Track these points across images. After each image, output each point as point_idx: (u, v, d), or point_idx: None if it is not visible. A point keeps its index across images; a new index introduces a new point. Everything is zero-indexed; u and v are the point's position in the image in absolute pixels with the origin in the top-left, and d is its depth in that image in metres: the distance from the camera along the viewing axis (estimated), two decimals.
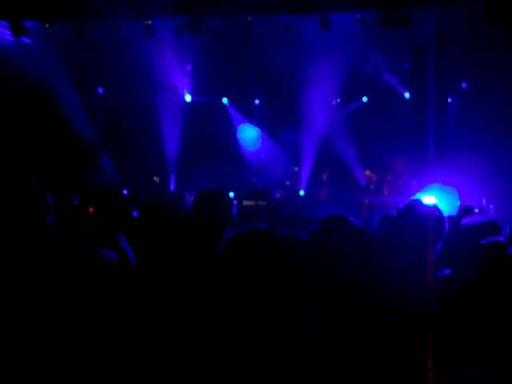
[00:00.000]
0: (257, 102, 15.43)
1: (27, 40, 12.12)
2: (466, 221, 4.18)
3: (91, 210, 8.53)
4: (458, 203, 10.02)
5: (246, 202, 12.30)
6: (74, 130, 13.41)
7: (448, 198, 10.05)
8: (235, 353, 2.12)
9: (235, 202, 2.89)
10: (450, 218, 3.87)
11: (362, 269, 3.02)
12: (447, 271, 2.95)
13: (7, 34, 11.78)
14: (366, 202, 12.98)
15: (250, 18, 11.03)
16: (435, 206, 2.80)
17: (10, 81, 12.29)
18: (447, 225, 2.84)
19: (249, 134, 15.21)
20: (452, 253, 3.23)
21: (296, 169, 14.64)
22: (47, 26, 11.84)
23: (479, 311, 2.62)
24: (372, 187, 13.72)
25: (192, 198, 3.02)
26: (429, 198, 2.89)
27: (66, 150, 13.06)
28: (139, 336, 2.07)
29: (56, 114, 13.02)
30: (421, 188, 10.29)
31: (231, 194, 3.04)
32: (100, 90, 14.97)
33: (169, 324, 2.33)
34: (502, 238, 3.21)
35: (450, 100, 12.62)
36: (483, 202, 10.62)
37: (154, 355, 2.09)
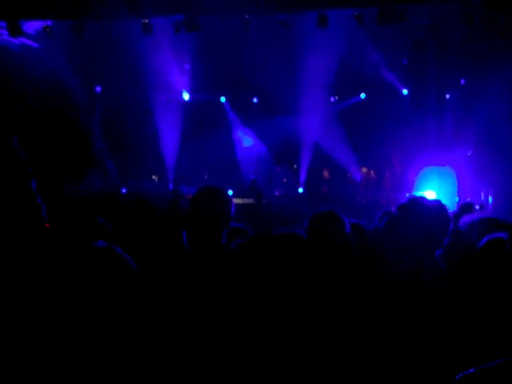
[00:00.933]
0: (255, 100, 15.42)
1: (33, 43, 12.14)
2: (466, 218, 4.15)
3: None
4: (456, 187, 10.04)
5: (245, 200, 12.29)
6: (78, 129, 13.45)
7: (446, 179, 10.06)
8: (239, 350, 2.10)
9: (234, 201, 2.87)
10: (451, 214, 3.84)
11: (358, 263, 3.00)
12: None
13: (5, 34, 11.77)
14: (364, 200, 12.99)
15: (247, 16, 11.00)
16: (439, 202, 2.77)
17: (15, 82, 12.26)
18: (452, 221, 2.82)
19: (246, 141, 15.30)
20: (453, 250, 3.21)
21: (295, 166, 14.66)
22: (44, 25, 11.83)
23: (481, 308, 2.61)
24: (370, 183, 13.75)
25: (191, 195, 3.01)
26: (430, 193, 2.88)
27: (69, 148, 13.08)
28: (142, 335, 2.05)
29: (59, 113, 13.02)
30: (417, 172, 10.31)
31: (230, 192, 3.03)
32: (98, 89, 14.95)
33: (171, 322, 2.31)
34: (503, 235, 3.18)
35: (448, 96, 12.61)
36: (482, 196, 10.63)
37: (157, 355, 2.07)
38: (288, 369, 2.15)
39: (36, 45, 12.21)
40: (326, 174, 14.39)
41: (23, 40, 12.02)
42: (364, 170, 13.95)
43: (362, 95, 14.53)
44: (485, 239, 2.94)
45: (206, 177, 14.15)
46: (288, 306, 2.25)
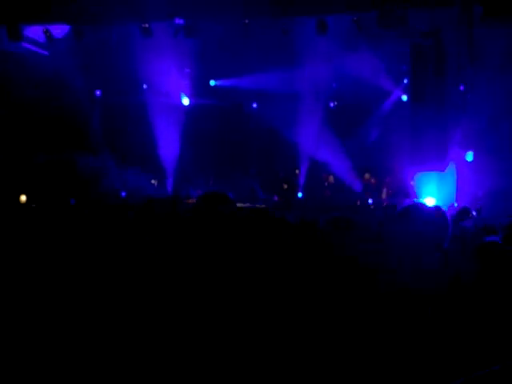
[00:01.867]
0: (254, 105, 15.43)
1: (36, 48, 12.20)
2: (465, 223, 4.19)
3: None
4: (455, 190, 10.03)
5: (246, 205, 12.27)
6: (81, 132, 13.51)
7: (444, 184, 10.05)
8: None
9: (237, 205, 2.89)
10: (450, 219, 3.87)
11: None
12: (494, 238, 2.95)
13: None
14: (365, 205, 13.01)
15: (247, 21, 11.04)
16: (438, 208, 2.79)
17: (14, 84, 12.30)
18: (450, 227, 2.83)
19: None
20: (451, 254, 3.23)
21: (297, 171, 14.65)
22: (45, 30, 11.88)
23: (477, 313, 2.63)
24: (370, 189, 13.76)
25: (190, 200, 3.03)
26: (430, 200, 2.91)
27: (71, 150, 13.12)
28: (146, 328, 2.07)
29: (59, 115, 13.05)
30: (416, 178, 10.30)
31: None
32: (98, 93, 14.96)
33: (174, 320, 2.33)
34: (497, 238, 3.21)
35: (448, 99, 12.59)
36: (479, 199, 10.64)
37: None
38: (287, 367, 2.17)
39: (38, 50, 12.25)
40: (330, 178, 14.39)
41: (25, 45, 12.08)
42: (366, 175, 13.96)
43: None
44: (479, 243, 2.97)
45: (207, 180, 14.14)
46: (287, 306, 2.26)
